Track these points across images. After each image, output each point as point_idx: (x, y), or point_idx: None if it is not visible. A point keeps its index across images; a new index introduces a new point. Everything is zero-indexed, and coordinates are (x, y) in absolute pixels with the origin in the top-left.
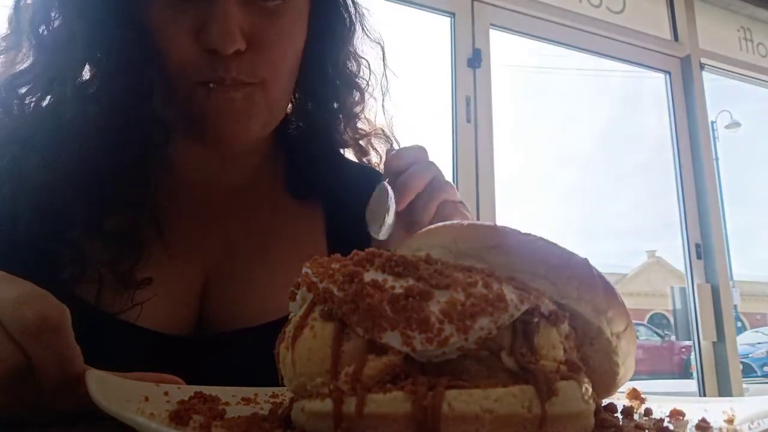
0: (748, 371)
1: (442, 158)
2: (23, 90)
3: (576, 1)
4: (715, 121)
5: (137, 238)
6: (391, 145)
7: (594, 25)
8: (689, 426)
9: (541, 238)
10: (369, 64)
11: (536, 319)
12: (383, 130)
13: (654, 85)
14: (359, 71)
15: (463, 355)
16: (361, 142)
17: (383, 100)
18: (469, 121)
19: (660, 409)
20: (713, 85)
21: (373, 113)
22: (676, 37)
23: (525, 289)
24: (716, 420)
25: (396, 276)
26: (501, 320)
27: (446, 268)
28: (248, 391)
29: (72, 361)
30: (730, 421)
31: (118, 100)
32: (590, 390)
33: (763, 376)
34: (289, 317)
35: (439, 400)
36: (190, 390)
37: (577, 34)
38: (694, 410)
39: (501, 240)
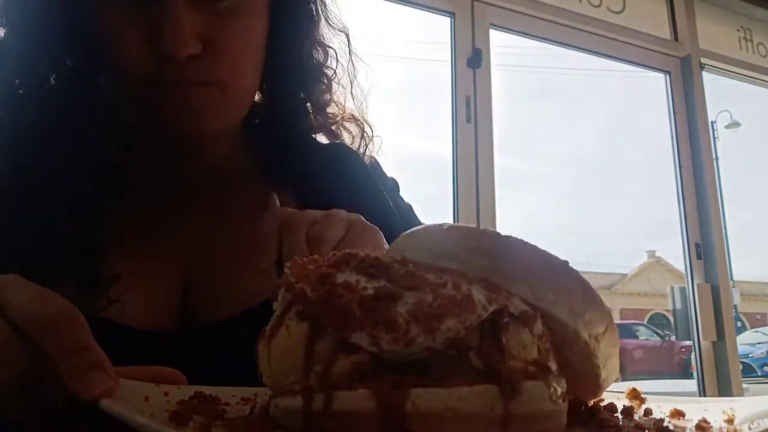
0: (748, 371)
1: (442, 158)
2: None
3: (576, 1)
4: (715, 121)
5: (98, 239)
6: (363, 129)
7: (594, 25)
8: (689, 426)
9: (521, 241)
10: (336, 53)
11: (505, 320)
12: (353, 115)
13: (654, 85)
14: (326, 60)
15: (433, 355)
16: (332, 127)
17: (351, 87)
18: (469, 121)
19: (660, 409)
20: (713, 85)
21: (343, 98)
22: (676, 37)
23: (494, 289)
24: (716, 420)
25: (369, 277)
26: (469, 321)
27: (418, 270)
28: (248, 391)
29: (93, 347)
30: (730, 421)
31: (67, 105)
32: (560, 390)
33: (763, 376)
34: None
35: (402, 397)
36: (190, 390)
37: (577, 34)
38: (694, 410)
39: (479, 242)
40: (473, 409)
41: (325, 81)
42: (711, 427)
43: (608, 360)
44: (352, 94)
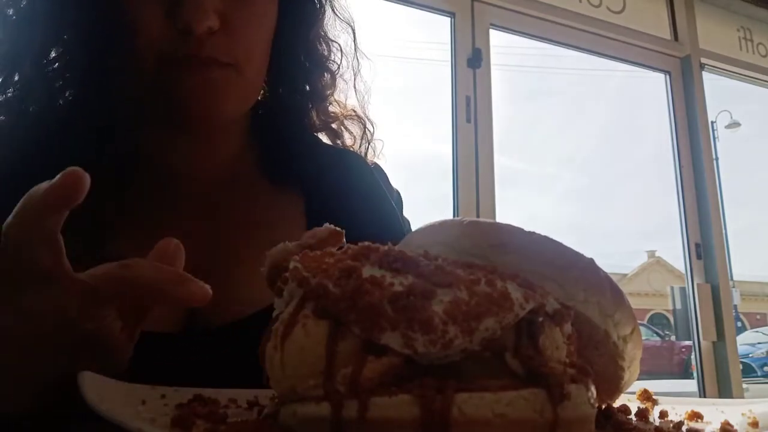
0: (748, 371)
1: (442, 158)
2: None
3: (576, 1)
4: (715, 121)
5: (102, 231)
6: (365, 126)
7: (594, 25)
8: (709, 429)
9: (546, 237)
10: (340, 47)
11: (541, 319)
12: (355, 111)
13: (654, 85)
14: (330, 54)
15: (466, 356)
16: (333, 125)
17: (355, 82)
18: (469, 121)
19: (674, 411)
20: (713, 85)
21: (344, 96)
22: (676, 37)
23: (529, 286)
24: (738, 423)
25: (394, 272)
26: (506, 320)
27: (447, 265)
28: (248, 393)
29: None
30: (755, 425)
31: (85, 78)
32: (595, 394)
33: (763, 376)
34: (274, 314)
35: (448, 404)
36: (187, 393)
37: (577, 34)
38: (711, 412)
39: (505, 239)
40: (522, 414)
41: (329, 75)
42: (736, 430)
43: (632, 362)
44: (355, 87)
